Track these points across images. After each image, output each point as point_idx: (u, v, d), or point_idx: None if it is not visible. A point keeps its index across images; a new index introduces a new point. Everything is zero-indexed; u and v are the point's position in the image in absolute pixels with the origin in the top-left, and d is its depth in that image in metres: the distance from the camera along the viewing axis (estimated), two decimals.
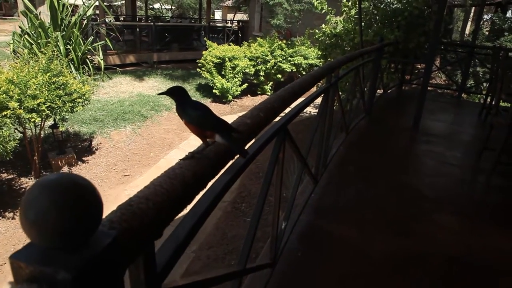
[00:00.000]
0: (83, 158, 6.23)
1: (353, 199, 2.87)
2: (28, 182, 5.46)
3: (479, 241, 2.45)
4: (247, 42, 11.35)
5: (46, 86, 4.96)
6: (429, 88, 5.90)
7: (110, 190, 5.49)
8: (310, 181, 2.74)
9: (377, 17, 6.54)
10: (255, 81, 10.90)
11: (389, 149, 4.03)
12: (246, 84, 10.36)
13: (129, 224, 0.54)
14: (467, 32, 13.98)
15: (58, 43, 8.01)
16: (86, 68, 8.88)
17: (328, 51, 6.89)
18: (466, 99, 8.32)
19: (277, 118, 1.52)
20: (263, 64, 10.52)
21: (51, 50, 5.66)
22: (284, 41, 11.01)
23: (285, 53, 10.73)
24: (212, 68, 9.69)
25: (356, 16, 6.28)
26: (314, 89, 3.75)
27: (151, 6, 23.76)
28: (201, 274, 3.24)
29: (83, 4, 9.48)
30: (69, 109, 5.22)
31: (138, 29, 12.88)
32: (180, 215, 0.72)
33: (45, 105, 4.81)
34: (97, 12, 11.64)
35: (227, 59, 9.66)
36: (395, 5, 6.53)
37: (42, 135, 5.68)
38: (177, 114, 0.87)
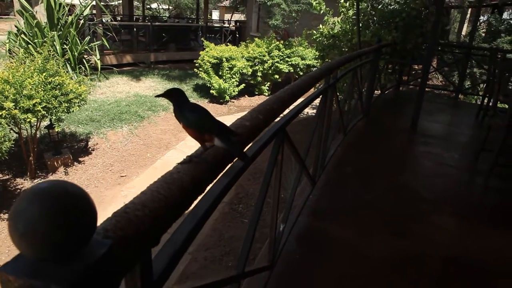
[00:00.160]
0: (80, 159, 6.19)
1: (351, 200, 2.86)
2: (23, 183, 5.41)
3: (477, 242, 2.45)
4: (244, 42, 11.34)
5: (42, 86, 4.92)
6: (426, 89, 5.90)
7: (107, 191, 5.45)
8: (308, 182, 2.73)
9: (375, 18, 6.54)
10: (253, 82, 10.88)
11: (387, 150, 4.03)
12: (244, 85, 10.33)
13: (124, 232, 0.51)
14: (463, 33, 14.04)
15: (55, 42, 7.96)
16: (83, 68, 8.83)
17: (325, 52, 6.89)
18: (463, 100, 8.35)
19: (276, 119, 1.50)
20: (261, 65, 10.50)
21: (47, 50, 5.62)
22: (282, 42, 11.00)
23: (282, 53, 10.72)
24: (210, 69, 9.66)
25: (354, 17, 6.28)
26: (311, 90, 3.73)
27: (148, 6, 23.70)
28: (199, 279, 3.22)
29: (80, 3, 9.43)
30: (65, 110, 5.18)
31: (135, 29, 12.83)
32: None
33: (41, 105, 4.77)
34: (94, 11, 11.59)
35: (224, 59, 9.64)
36: (393, 6, 6.53)
37: (38, 136, 5.63)
38: (174, 116, 0.85)
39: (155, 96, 0.93)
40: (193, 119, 0.83)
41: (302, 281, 1.98)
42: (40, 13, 8.63)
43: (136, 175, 5.98)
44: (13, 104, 4.54)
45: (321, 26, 7.01)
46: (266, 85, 11.05)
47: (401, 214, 2.72)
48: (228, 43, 11.93)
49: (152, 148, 7.00)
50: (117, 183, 5.68)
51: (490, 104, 5.12)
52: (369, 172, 3.39)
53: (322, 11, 6.95)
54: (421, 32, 6.16)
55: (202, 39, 11.22)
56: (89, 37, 9.60)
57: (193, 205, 0.78)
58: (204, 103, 9.97)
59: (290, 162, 3.57)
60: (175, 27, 14.43)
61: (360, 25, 5.72)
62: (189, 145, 6.68)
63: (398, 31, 6.05)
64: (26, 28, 8.30)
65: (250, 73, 10.37)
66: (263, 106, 1.19)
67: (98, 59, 9.27)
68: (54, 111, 5.03)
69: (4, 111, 4.46)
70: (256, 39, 11.11)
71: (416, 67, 8.30)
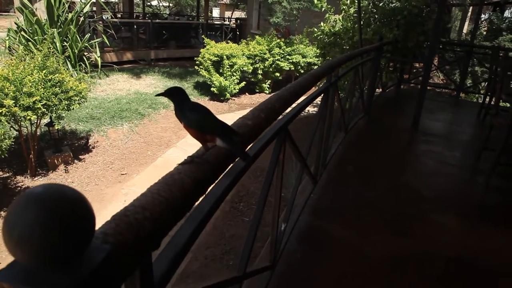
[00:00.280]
0: (80, 157, 6.18)
1: (352, 199, 2.85)
2: (24, 181, 5.40)
3: (478, 242, 2.44)
4: (245, 40, 11.30)
5: (42, 83, 4.90)
6: (427, 87, 5.88)
7: (107, 189, 5.44)
8: (309, 181, 2.71)
9: (376, 16, 6.51)
10: (253, 80, 10.85)
11: (388, 149, 4.01)
12: (244, 82, 10.31)
13: (124, 236, 0.50)
14: (464, 31, 13.98)
15: (55, 40, 7.93)
16: (83, 65, 8.80)
17: (326, 50, 6.86)
18: (464, 98, 8.33)
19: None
20: (261, 62, 10.47)
21: (47, 47, 5.59)
22: (283, 39, 10.96)
23: (283, 51, 10.69)
24: (210, 66, 9.63)
25: (355, 14, 6.25)
26: (313, 88, 3.71)
27: (148, 3, 23.61)
28: (199, 278, 3.21)
29: (80, 0, 9.39)
30: (66, 107, 5.16)
31: (135, 26, 12.80)
32: None
33: (41, 103, 4.75)
34: (94, 9, 11.55)
35: (225, 57, 9.60)
36: (394, 4, 6.50)
37: (38, 133, 5.62)
38: (175, 115, 0.83)
39: (156, 95, 0.91)
40: (195, 119, 0.81)
41: (304, 281, 1.98)
42: (40, 10, 8.59)
43: (137, 173, 5.97)
44: (13, 101, 4.53)
45: (322, 23, 6.98)
46: (266, 83, 11.02)
47: (402, 213, 2.70)
48: (229, 41, 11.89)
49: (153, 146, 6.99)
50: (118, 181, 5.67)
51: (492, 102, 5.10)
52: (370, 170, 3.38)
53: (323, 9, 6.92)
54: (423, 30, 6.13)
55: (203, 36, 11.17)
56: (89, 34, 9.58)
57: (194, 206, 0.76)
58: (204, 100, 9.95)
59: (290, 160, 3.56)
60: (176, 25, 14.39)
61: (362, 23, 5.68)
62: (190, 143, 6.67)
63: (399, 29, 6.02)
64: (26, 25, 8.27)
65: (250, 70, 10.35)
66: (265, 104, 1.17)
67: (98, 57, 9.24)
68: (54, 108, 5.01)
69: (4, 108, 4.45)
70: (257, 36, 11.08)
71: (417, 65, 8.26)
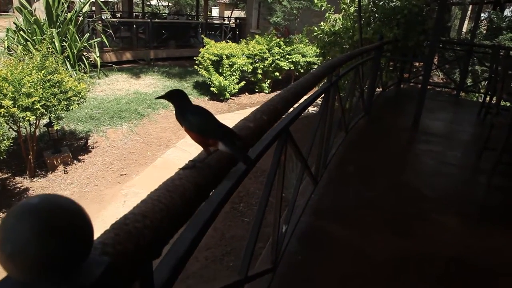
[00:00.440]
0: (79, 157, 6.15)
1: (353, 200, 2.84)
2: (23, 182, 5.38)
3: (479, 241, 2.43)
4: (244, 39, 11.27)
5: (41, 84, 4.88)
6: (427, 86, 5.87)
7: (107, 189, 5.42)
8: (310, 181, 2.70)
9: (376, 15, 6.49)
10: (253, 79, 10.83)
11: (389, 149, 3.99)
12: (244, 82, 10.29)
13: (124, 246, 0.48)
14: (464, 30, 13.96)
15: (54, 39, 7.90)
16: (82, 65, 8.77)
17: (326, 49, 6.84)
18: (464, 97, 8.31)
19: None
20: (261, 62, 10.45)
21: (46, 47, 5.57)
22: (282, 39, 10.93)
23: (283, 50, 10.66)
24: (210, 66, 9.61)
25: (355, 13, 6.23)
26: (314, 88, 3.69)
27: (147, 3, 23.56)
28: (199, 279, 3.18)
29: (79, 0, 9.36)
30: (65, 107, 5.14)
31: (134, 26, 12.76)
32: None
33: (40, 104, 4.73)
34: (93, 8, 11.51)
35: (224, 56, 9.58)
36: (394, 3, 6.48)
37: (37, 134, 5.59)
38: (176, 119, 0.81)
39: (156, 98, 0.89)
40: (196, 123, 0.79)
41: (305, 282, 1.97)
42: (39, 9, 8.56)
43: (136, 173, 5.95)
44: (12, 102, 4.50)
45: (322, 23, 6.95)
46: (266, 83, 11.00)
47: (403, 213, 2.69)
48: (228, 40, 11.86)
49: (152, 146, 6.97)
50: (117, 182, 5.65)
51: (492, 102, 5.09)
52: (371, 170, 3.36)
53: (323, 8, 6.90)
54: (423, 29, 6.12)
55: (202, 36, 11.15)
56: (88, 34, 9.55)
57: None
58: (204, 100, 9.93)
59: (291, 161, 3.55)
60: (175, 24, 14.35)
61: (362, 22, 5.66)
62: (189, 143, 6.65)
63: (399, 28, 6.00)
64: (24, 25, 8.24)
65: (250, 70, 10.32)
66: (267, 106, 1.15)
67: (97, 56, 9.22)
68: (53, 109, 4.99)
69: (2, 109, 4.43)
70: (257, 36, 11.05)
71: (417, 64, 8.24)
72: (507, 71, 3.95)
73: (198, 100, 9.85)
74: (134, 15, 16.68)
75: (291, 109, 1.64)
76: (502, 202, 3.02)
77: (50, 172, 5.65)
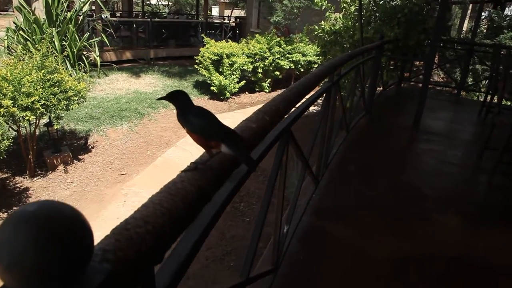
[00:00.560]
0: (79, 157, 6.14)
1: (354, 199, 2.83)
2: (23, 182, 5.37)
3: (480, 241, 2.42)
4: (245, 38, 11.25)
5: (41, 83, 4.86)
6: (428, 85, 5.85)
7: (107, 189, 5.40)
8: (311, 181, 2.69)
9: (377, 14, 6.47)
10: (253, 78, 10.81)
11: (390, 148, 3.98)
12: (244, 81, 10.26)
13: (125, 252, 0.47)
14: (464, 29, 13.94)
15: (53, 39, 7.88)
16: (82, 64, 8.76)
17: (327, 48, 6.83)
18: (465, 96, 8.29)
19: None
20: (261, 61, 10.43)
21: (46, 47, 5.55)
22: (283, 38, 10.91)
23: (283, 50, 10.64)
24: (210, 65, 9.59)
25: (356, 12, 6.21)
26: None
27: (147, 2, 23.52)
28: (200, 279, 3.17)
29: None
30: (65, 107, 5.13)
31: (134, 25, 12.74)
32: None
33: (40, 103, 4.71)
34: (93, 7, 11.48)
35: (224, 56, 9.56)
36: (395, 2, 6.46)
37: (37, 134, 5.58)
38: (177, 121, 0.80)
39: (157, 99, 0.87)
40: (198, 125, 0.77)
41: (306, 283, 1.96)
42: (39, 9, 8.54)
43: (137, 173, 5.93)
44: (12, 102, 4.49)
45: (322, 22, 6.94)
46: (266, 82, 10.98)
47: (404, 212, 2.68)
48: (228, 39, 11.84)
49: (153, 145, 6.95)
50: (117, 181, 5.64)
51: (493, 101, 5.07)
52: (372, 170, 3.35)
53: (323, 7, 6.88)
54: (423, 28, 6.10)
55: (202, 35, 11.12)
56: (88, 33, 9.52)
57: None
58: (204, 99, 9.91)
59: (291, 160, 3.53)
60: (175, 23, 14.32)
61: (362, 21, 5.65)
62: (190, 143, 6.63)
63: (400, 27, 5.99)
64: (24, 24, 8.22)
65: (250, 69, 10.30)
66: (269, 106, 1.14)
67: (97, 56, 9.19)
68: (53, 108, 4.97)
69: (2, 109, 4.41)
70: (257, 35, 11.02)
71: (417, 63, 8.22)
72: (509, 70, 3.94)
73: (198, 99, 9.83)
74: (134, 14, 16.66)
75: (293, 109, 1.63)
76: (503, 201, 3.01)
77: (50, 172, 5.64)
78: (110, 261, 0.44)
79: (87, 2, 9.38)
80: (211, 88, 9.72)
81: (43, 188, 5.29)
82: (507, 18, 9.76)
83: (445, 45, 8.32)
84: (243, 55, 10.10)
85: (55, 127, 5.46)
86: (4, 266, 0.33)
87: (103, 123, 7.22)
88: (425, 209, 2.75)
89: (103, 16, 11.28)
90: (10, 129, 4.97)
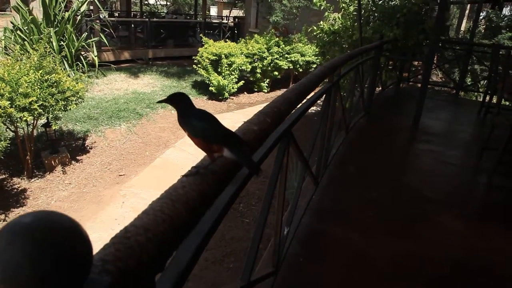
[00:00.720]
0: (77, 157, 6.11)
1: (354, 200, 2.82)
2: (20, 183, 5.33)
3: (481, 243, 2.41)
4: (243, 38, 11.23)
5: (38, 84, 4.83)
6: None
7: (105, 190, 5.38)
8: (310, 182, 2.67)
9: (376, 14, 6.46)
10: (252, 78, 10.79)
11: (390, 149, 3.97)
12: (243, 82, 10.25)
13: (125, 263, 0.45)
14: (462, 29, 13.96)
15: (51, 39, 7.84)
16: (80, 65, 8.71)
17: (326, 48, 6.82)
18: (463, 96, 8.30)
19: None
20: (260, 61, 10.41)
21: (43, 47, 5.52)
22: (281, 38, 10.90)
23: (282, 50, 10.63)
24: (208, 65, 9.56)
25: (355, 12, 6.20)
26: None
27: (145, 2, 23.46)
28: (199, 280, 3.14)
29: None
30: (62, 108, 5.10)
31: (133, 25, 12.70)
32: None
33: (37, 104, 4.68)
34: (91, 7, 11.44)
35: (223, 56, 9.54)
36: (394, 2, 6.45)
37: (34, 134, 5.55)
38: (178, 124, 0.78)
39: (157, 102, 0.85)
40: (200, 128, 0.75)
41: (306, 285, 1.94)
42: (36, 9, 8.50)
43: (135, 174, 5.91)
44: (9, 102, 4.46)
45: (321, 22, 6.93)
46: (265, 82, 10.96)
47: (404, 213, 2.67)
48: (227, 40, 11.82)
49: (151, 146, 6.93)
50: (116, 182, 5.61)
51: (492, 101, 5.07)
52: (372, 170, 3.34)
53: (322, 7, 6.87)
54: (422, 28, 6.10)
55: (201, 35, 11.10)
56: (86, 33, 9.48)
57: None
58: (203, 100, 9.89)
59: (291, 161, 3.52)
60: (173, 23, 14.30)
61: (361, 21, 5.64)
62: (188, 143, 6.60)
63: (399, 27, 5.98)
64: (22, 24, 8.17)
65: (249, 69, 10.28)
66: (270, 108, 1.12)
67: (95, 56, 9.15)
68: (51, 109, 4.94)
69: None
70: (256, 35, 11.01)
71: (416, 64, 8.22)
72: (508, 71, 3.94)
73: (196, 99, 9.81)
74: (132, 14, 16.61)
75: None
76: (503, 202, 3.01)
77: (48, 173, 5.61)
78: (110, 272, 0.42)
79: (85, 2, 9.33)
80: (210, 88, 9.70)
81: (41, 189, 5.25)
82: (505, 18, 9.78)
83: (443, 45, 8.33)
84: (242, 55, 10.08)
85: (53, 128, 5.42)
86: None
87: (101, 123, 7.19)
88: (425, 210, 2.74)
89: (101, 16, 11.24)
90: (7, 129, 4.94)
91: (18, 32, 8.07)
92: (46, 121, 5.40)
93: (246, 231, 4.11)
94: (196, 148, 0.76)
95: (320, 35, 6.84)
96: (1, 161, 4.69)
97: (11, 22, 8.38)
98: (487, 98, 5.25)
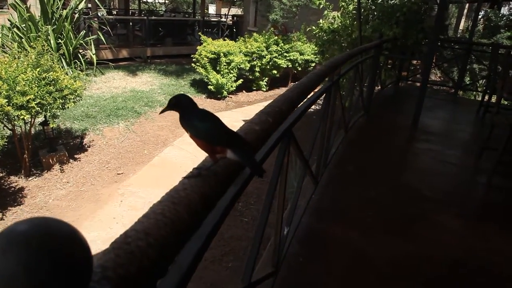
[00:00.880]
0: (75, 156, 6.08)
1: (353, 200, 2.81)
2: (18, 181, 5.30)
3: (480, 242, 2.41)
4: (242, 37, 11.20)
5: (36, 82, 4.79)
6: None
7: (103, 189, 5.35)
8: (310, 181, 2.66)
9: (375, 13, 6.45)
10: (251, 77, 10.77)
11: (389, 148, 3.97)
12: (241, 80, 10.22)
13: (125, 269, 0.43)
14: (461, 28, 13.97)
15: (49, 37, 7.80)
16: (78, 63, 8.67)
17: (325, 47, 6.80)
18: (462, 96, 8.31)
19: None
20: (259, 60, 10.38)
21: (41, 45, 5.48)
22: (280, 37, 10.88)
23: (281, 48, 10.61)
24: (207, 64, 9.53)
25: (354, 11, 6.18)
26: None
27: (144, 0, 23.39)
28: (199, 280, 3.14)
29: None
30: (60, 106, 5.07)
31: (131, 23, 12.65)
32: None
33: (35, 102, 4.65)
34: (89, 5, 11.39)
35: (222, 54, 9.51)
36: (393, 1, 6.44)
37: (32, 133, 5.51)
38: (180, 125, 0.76)
39: (160, 113, 0.84)
40: (203, 129, 0.73)
41: (306, 285, 1.93)
42: (34, 6, 8.45)
43: (133, 172, 5.88)
44: (6, 100, 4.42)
45: (321, 20, 6.91)
46: (264, 80, 10.94)
47: (403, 213, 2.67)
48: (226, 38, 11.78)
49: (149, 144, 6.90)
50: (114, 181, 5.59)
51: (492, 100, 5.07)
52: (371, 170, 3.33)
53: (321, 6, 6.85)
54: (422, 27, 6.09)
55: (199, 33, 11.06)
56: (84, 31, 9.44)
57: None
58: (201, 98, 9.86)
59: (290, 161, 3.50)
60: (172, 22, 14.25)
61: (361, 19, 5.62)
62: (187, 142, 6.59)
63: (398, 26, 5.97)
64: (19, 22, 8.12)
65: (248, 68, 10.26)
66: (272, 107, 1.10)
67: (93, 54, 9.11)
68: (48, 107, 4.91)
69: None
70: (255, 34, 10.98)
71: (415, 63, 8.22)
72: (508, 70, 3.93)
73: (195, 98, 9.76)
74: (130, 12, 16.55)
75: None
76: (503, 202, 3.00)
77: (45, 171, 5.57)
78: (110, 279, 0.41)
79: (82, 0, 9.29)
80: (208, 86, 9.67)
81: (39, 188, 5.23)
82: (504, 18, 9.78)
83: (442, 44, 8.32)
84: (241, 53, 10.05)
85: (51, 126, 5.39)
86: None
87: (99, 122, 7.16)
88: (424, 210, 2.73)
89: (99, 14, 11.19)
90: (4, 128, 4.91)
91: (16, 29, 8.02)
92: (43, 119, 5.37)
93: (245, 230, 4.10)
94: (195, 147, 0.74)
95: (320, 34, 6.82)
96: None
97: (9, 20, 8.33)
98: (486, 97, 5.25)
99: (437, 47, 7.87)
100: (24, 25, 8.06)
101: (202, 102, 9.66)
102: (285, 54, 10.68)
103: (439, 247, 2.29)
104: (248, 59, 10.22)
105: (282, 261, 1.93)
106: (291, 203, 2.14)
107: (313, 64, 11.09)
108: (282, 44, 10.64)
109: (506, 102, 5.56)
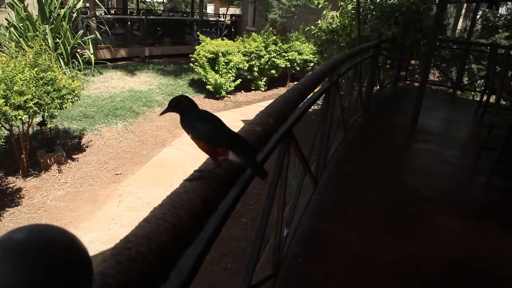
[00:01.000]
0: (73, 156, 6.05)
1: (352, 200, 2.80)
2: (15, 181, 5.27)
3: (480, 242, 2.40)
4: (240, 36, 11.19)
5: (34, 81, 4.77)
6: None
7: (101, 189, 5.33)
8: (309, 182, 2.65)
9: (374, 13, 6.45)
10: (249, 77, 10.76)
11: (388, 148, 3.96)
12: (240, 80, 10.21)
13: (126, 276, 0.42)
14: (459, 28, 13.98)
15: (47, 36, 7.76)
16: (76, 62, 8.64)
17: (324, 47, 6.80)
18: (460, 96, 8.32)
19: None
20: (257, 60, 10.37)
21: (39, 44, 5.45)
22: (279, 36, 10.87)
23: (279, 48, 10.60)
24: (205, 63, 9.51)
25: (353, 11, 6.18)
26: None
27: None
28: (198, 281, 3.12)
29: None
30: (58, 106, 5.04)
31: (129, 23, 12.62)
32: None
33: (33, 102, 4.62)
34: (87, 4, 11.35)
35: (220, 54, 9.49)
36: (392, 1, 6.44)
37: (30, 133, 5.48)
38: (181, 126, 0.75)
39: (160, 114, 0.83)
40: (204, 131, 0.71)
41: (306, 286, 1.92)
42: (32, 5, 8.42)
43: (132, 173, 5.86)
44: (4, 100, 4.40)
45: (319, 20, 6.91)
46: (262, 80, 10.93)
47: (403, 213, 2.66)
48: (224, 38, 11.76)
49: (148, 145, 6.87)
50: (112, 181, 5.56)
51: (490, 101, 5.08)
52: (370, 170, 3.33)
53: (320, 6, 6.84)
54: (420, 27, 6.10)
55: (198, 33, 11.04)
56: (82, 30, 9.40)
57: None
58: (200, 98, 9.84)
59: (290, 161, 3.49)
60: (170, 21, 14.21)
61: (360, 19, 5.62)
62: (186, 142, 6.57)
63: (397, 26, 5.97)
64: (17, 21, 8.08)
65: (246, 68, 10.25)
66: (272, 108, 1.09)
67: (91, 54, 9.08)
68: (46, 107, 4.89)
69: None
70: (253, 33, 10.97)
71: (413, 62, 8.22)
72: (507, 70, 3.93)
73: (194, 98, 9.66)
74: (128, 11, 16.50)
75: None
76: (502, 202, 3.00)
77: (43, 172, 5.55)
78: (110, 286, 0.40)
79: None
80: (207, 86, 9.65)
81: (36, 188, 5.20)
82: (502, 18, 9.79)
83: (441, 44, 8.33)
84: (239, 53, 10.04)
85: (49, 126, 5.36)
86: None
87: (97, 122, 7.13)
88: (423, 210, 2.73)
89: (97, 13, 11.15)
90: (2, 128, 4.88)
91: (13, 29, 7.98)
92: (41, 119, 5.34)
93: (244, 231, 4.09)
94: (193, 147, 0.73)
95: (318, 33, 6.82)
96: None
97: (6, 19, 8.30)
98: (485, 97, 5.26)
99: (436, 47, 7.89)
100: (21, 24, 8.02)
101: (201, 102, 9.64)
102: (283, 54, 10.68)
103: (438, 247, 2.29)
104: (247, 59, 10.21)
105: (282, 262, 1.92)
106: (291, 203, 2.13)
107: (312, 64, 11.09)
108: (281, 44, 10.63)
109: (504, 102, 5.57)
